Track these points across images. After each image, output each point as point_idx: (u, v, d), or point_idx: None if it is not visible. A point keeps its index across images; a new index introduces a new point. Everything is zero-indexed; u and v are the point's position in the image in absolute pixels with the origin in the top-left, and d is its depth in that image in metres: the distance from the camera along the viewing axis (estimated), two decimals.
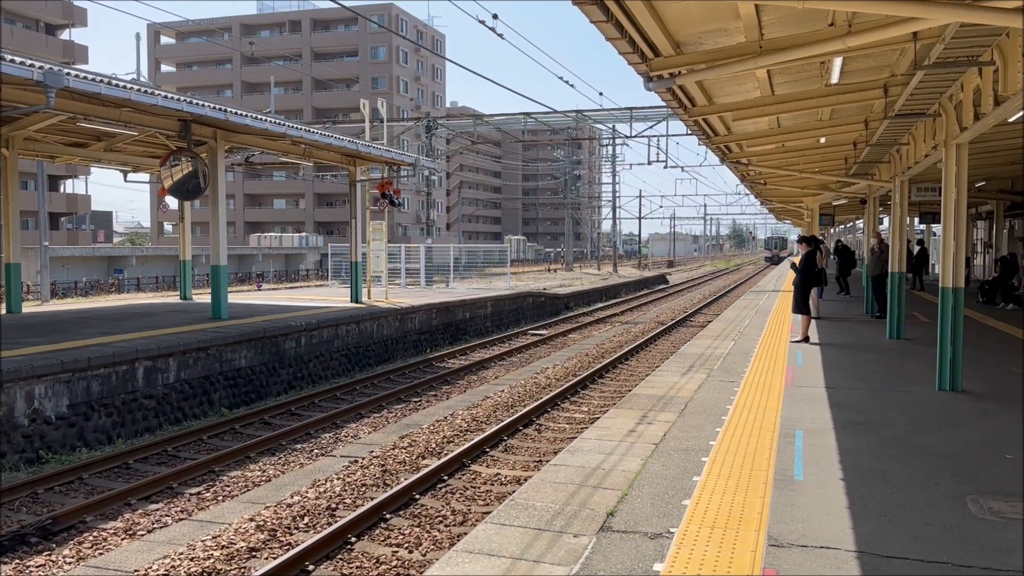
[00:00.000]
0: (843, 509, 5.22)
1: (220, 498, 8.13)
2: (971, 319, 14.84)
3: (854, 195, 22.39)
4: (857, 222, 49.80)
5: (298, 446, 10.14)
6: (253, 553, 6.52)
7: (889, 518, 5.06)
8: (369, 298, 20.74)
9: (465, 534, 5.85)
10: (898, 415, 7.90)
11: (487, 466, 9.10)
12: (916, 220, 33.27)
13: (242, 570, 6.22)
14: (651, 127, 36.20)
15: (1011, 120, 8.42)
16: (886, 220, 34.54)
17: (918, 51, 7.56)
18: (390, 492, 7.75)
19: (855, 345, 12.97)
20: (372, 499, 7.75)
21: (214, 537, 6.78)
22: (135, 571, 6.16)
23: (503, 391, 13.24)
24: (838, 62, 8.53)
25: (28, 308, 18.09)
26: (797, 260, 13.79)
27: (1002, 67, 7.13)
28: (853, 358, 11.57)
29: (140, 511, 7.71)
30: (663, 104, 13.16)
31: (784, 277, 33.77)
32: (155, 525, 7.34)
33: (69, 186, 57.65)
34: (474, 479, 8.62)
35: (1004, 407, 8.30)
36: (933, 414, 7.98)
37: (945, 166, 9.02)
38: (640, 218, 76.53)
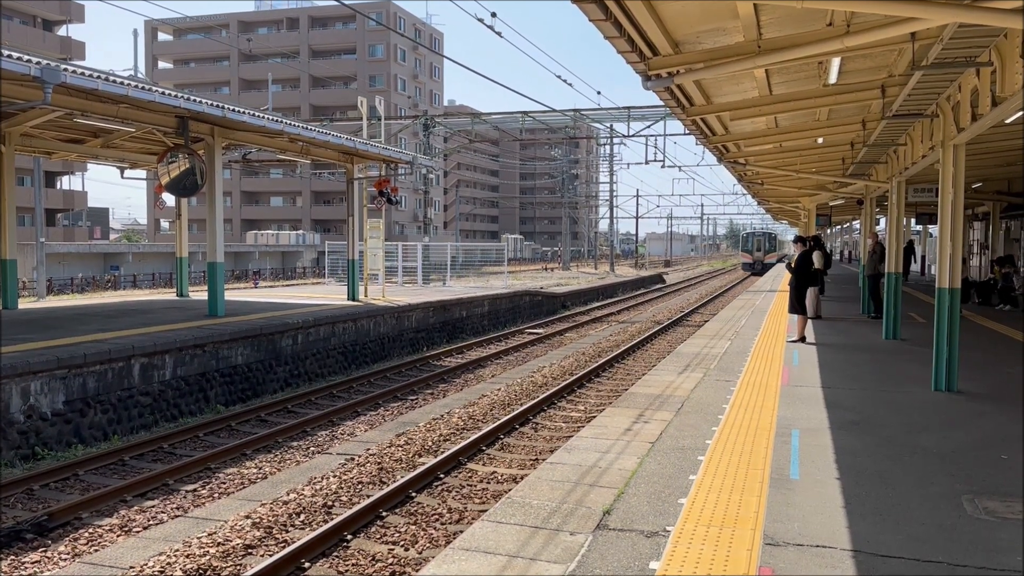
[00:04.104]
0: (839, 508, 5.23)
1: (216, 495, 8.12)
2: (967, 320, 14.87)
3: (851, 195, 22.43)
4: (854, 223, 49.92)
5: (294, 444, 10.14)
6: (249, 550, 6.52)
7: (885, 517, 5.07)
8: (366, 296, 20.73)
9: (461, 532, 5.85)
10: (894, 415, 7.91)
11: (484, 464, 9.10)
12: (913, 221, 33.36)
13: (237, 567, 6.21)
14: (649, 126, 36.25)
15: (1008, 121, 8.44)
16: (883, 221, 34.62)
17: (916, 52, 7.57)
18: (386, 490, 7.75)
19: (851, 345, 12.99)
20: (368, 497, 7.74)
21: (210, 534, 6.77)
22: (130, 568, 6.15)
23: (500, 389, 13.24)
24: (836, 62, 8.54)
25: (24, 304, 18.05)
26: (794, 262, 13.80)
27: (1000, 68, 7.14)
28: (849, 358, 11.59)
29: (136, 508, 7.70)
30: (661, 103, 13.17)
31: (780, 278, 33.80)
32: (151, 522, 7.33)
33: (66, 182, 57.56)
34: (471, 477, 8.62)
35: (1000, 408, 8.32)
36: (929, 414, 8.00)
37: (942, 167, 9.03)
38: (637, 217, 76.70)
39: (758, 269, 56.36)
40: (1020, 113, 7.61)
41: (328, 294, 21.98)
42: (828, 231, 50.44)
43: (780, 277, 34.23)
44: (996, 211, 25.63)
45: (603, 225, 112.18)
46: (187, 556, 6.32)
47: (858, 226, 43.16)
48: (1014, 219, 25.78)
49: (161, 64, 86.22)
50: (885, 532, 4.83)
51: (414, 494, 7.95)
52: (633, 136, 36.83)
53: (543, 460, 8.25)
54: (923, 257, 36.80)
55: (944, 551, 4.56)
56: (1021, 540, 4.71)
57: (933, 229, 32.59)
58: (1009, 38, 6.90)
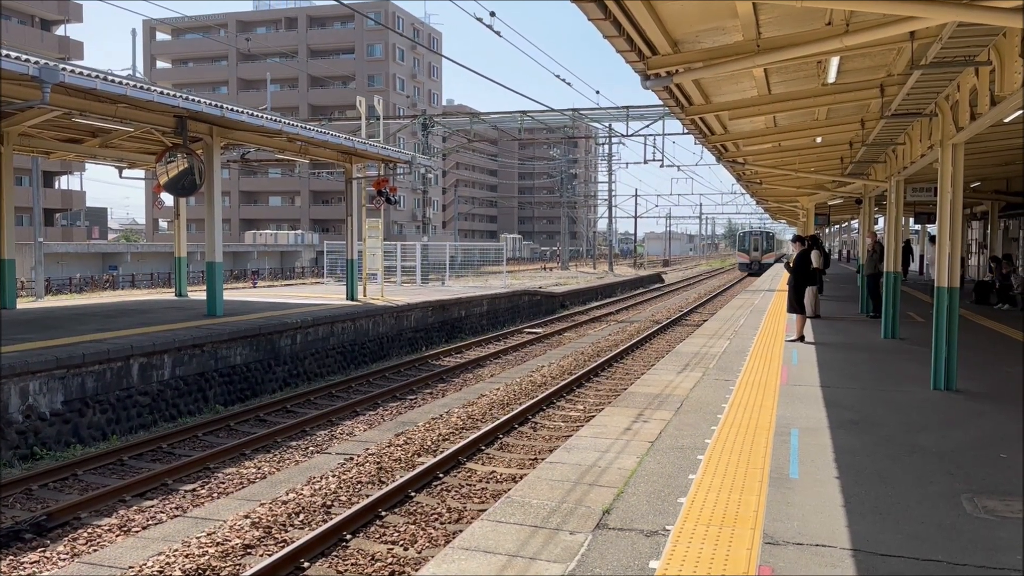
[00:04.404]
0: (838, 507, 5.23)
1: (215, 495, 8.12)
2: (965, 319, 14.88)
3: (850, 195, 22.42)
4: (852, 222, 49.93)
5: (293, 443, 10.13)
6: (248, 550, 6.51)
7: (884, 516, 5.07)
8: (365, 296, 20.72)
9: (461, 531, 5.84)
10: (893, 414, 7.91)
11: (483, 464, 9.10)
12: (911, 220, 33.38)
13: (237, 567, 6.20)
14: (647, 126, 36.23)
15: (1007, 120, 8.44)
16: (881, 220, 34.62)
17: (915, 51, 7.57)
18: (385, 489, 7.75)
19: (850, 344, 12.99)
20: (368, 496, 7.74)
21: (209, 534, 6.77)
22: (129, 568, 6.14)
23: (499, 389, 13.23)
24: (835, 61, 8.54)
25: (22, 304, 18.03)
26: (792, 261, 13.81)
27: (999, 67, 7.14)
28: (848, 357, 11.59)
29: (135, 508, 7.70)
30: (660, 103, 13.18)
31: (778, 277, 33.80)
32: (150, 522, 7.32)
33: (64, 182, 57.51)
34: (470, 477, 8.61)
35: (999, 407, 8.32)
36: (928, 413, 8.00)
37: (941, 166, 9.03)
38: (636, 217, 76.69)
39: (755, 270, 53.83)
40: (1019, 112, 7.62)
41: (327, 294, 21.96)
42: (827, 230, 50.40)
43: (779, 277, 34.22)
44: (995, 210, 25.64)
45: (602, 225, 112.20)
46: (186, 556, 6.31)
47: (856, 225, 43.17)
48: (1012, 218, 25.80)
49: (159, 64, 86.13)
50: (885, 531, 4.83)
51: (413, 494, 7.94)
52: (632, 136, 36.84)
53: (542, 459, 8.24)
54: (921, 256, 36.84)
55: (944, 550, 4.56)
56: (1020, 539, 4.71)
57: (932, 228, 32.57)
58: (1008, 37, 6.89)
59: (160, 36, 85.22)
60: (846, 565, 4.35)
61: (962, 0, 5.56)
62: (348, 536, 6.82)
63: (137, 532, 7.06)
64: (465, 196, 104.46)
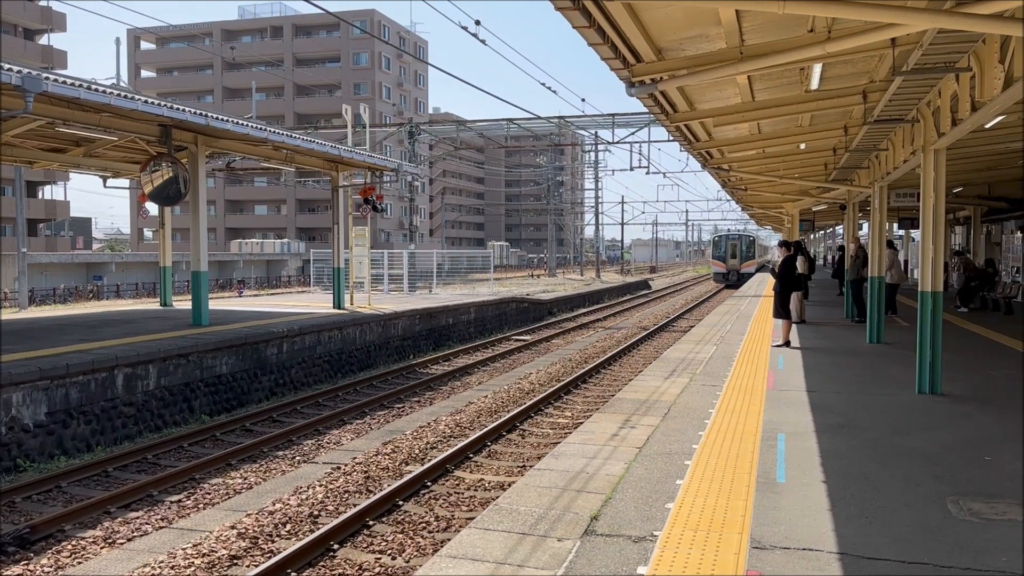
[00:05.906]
0: (825, 511, 5.25)
1: (201, 506, 8.06)
2: (949, 323, 14.99)
3: (834, 201, 22.57)
4: (837, 228, 50.25)
5: (280, 453, 10.07)
6: (234, 561, 6.46)
7: (870, 520, 5.09)
8: (352, 304, 20.66)
9: (449, 540, 5.82)
10: (879, 418, 7.96)
11: (471, 472, 9.07)
12: (895, 225, 33.60)
13: None
14: (633, 133, 36.42)
15: (988, 126, 8.53)
16: (865, 225, 34.84)
17: (897, 57, 7.64)
18: (373, 499, 7.71)
19: (835, 349, 13.06)
20: (355, 506, 7.70)
21: (195, 545, 6.71)
22: None
23: (487, 397, 13.22)
24: (818, 68, 8.60)
25: (6, 315, 17.87)
26: (777, 267, 13.87)
27: (979, 73, 7.22)
28: (834, 362, 11.65)
29: (120, 519, 7.63)
30: (645, 110, 13.20)
31: (763, 284, 33.93)
32: (135, 533, 7.26)
33: (47, 192, 57.07)
34: (458, 485, 8.59)
35: (983, 409, 8.39)
36: (913, 417, 8.05)
37: (923, 172, 9.11)
38: (623, 224, 76.89)
39: (733, 280, 46.27)
40: (999, 117, 7.70)
41: (314, 302, 21.88)
42: (811, 236, 50.70)
43: (763, 284, 34.35)
44: (977, 215, 25.89)
45: (589, 232, 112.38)
46: (172, 567, 6.26)
47: (841, 231, 43.43)
48: (995, 223, 26.04)
49: (144, 73, 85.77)
50: (871, 534, 4.85)
51: (401, 502, 7.91)
52: (618, 143, 37.02)
53: (530, 466, 8.23)
54: (905, 261, 37.05)
55: (930, 552, 4.58)
56: (1006, 541, 4.74)
57: (915, 234, 32.79)
58: (987, 43, 6.97)
59: (145, 45, 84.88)
60: (833, 568, 4.37)
61: (942, 7, 5.62)
62: (335, 546, 6.78)
63: (122, 544, 7.00)
64: (452, 204, 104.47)
